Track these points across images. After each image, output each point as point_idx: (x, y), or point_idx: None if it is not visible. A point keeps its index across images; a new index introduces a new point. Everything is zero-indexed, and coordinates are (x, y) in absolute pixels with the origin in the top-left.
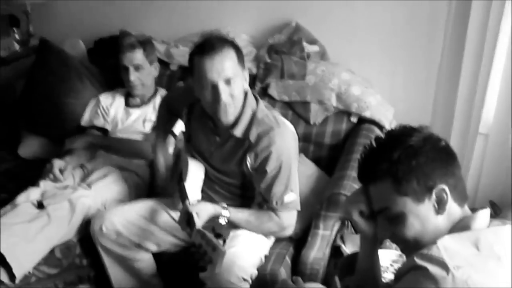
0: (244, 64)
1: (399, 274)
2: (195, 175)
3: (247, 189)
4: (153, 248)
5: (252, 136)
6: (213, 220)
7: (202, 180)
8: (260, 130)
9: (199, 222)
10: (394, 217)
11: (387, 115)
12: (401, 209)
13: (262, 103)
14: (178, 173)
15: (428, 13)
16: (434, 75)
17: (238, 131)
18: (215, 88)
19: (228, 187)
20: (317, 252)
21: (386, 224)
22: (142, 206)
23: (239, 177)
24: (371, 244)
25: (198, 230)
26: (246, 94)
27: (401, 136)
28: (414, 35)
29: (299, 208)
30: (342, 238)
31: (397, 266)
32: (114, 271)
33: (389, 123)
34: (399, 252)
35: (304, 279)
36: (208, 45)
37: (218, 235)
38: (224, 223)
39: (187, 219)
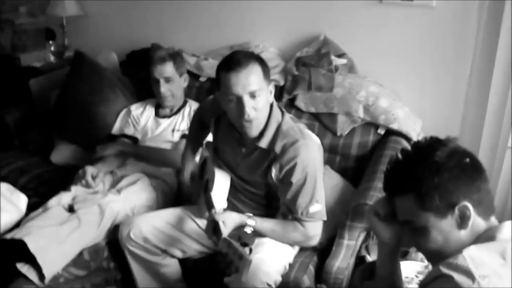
0: (269, 77)
1: (424, 283)
2: (221, 184)
3: (272, 199)
4: (179, 254)
5: (277, 148)
6: (239, 229)
7: (228, 189)
8: (285, 141)
9: (225, 230)
10: (417, 230)
11: (415, 128)
12: (424, 223)
13: (288, 116)
14: (204, 182)
15: (458, 26)
16: (464, 87)
17: (263, 143)
18: (240, 101)
19: (253, 197)
20: (342, 261)
21: (411, 234)
22: (169, 213)
23: (264, 187)
24: (390, 252)
25: (224, 239)
26: (271, 106)
27: (426, 151)
28: (443, 47)
29: (325, 218)
30: (367, 249)
31: (422, 277)
32: (140, 276)
33: (417, 136)
34: (424, 263)
35: None
36: (235, 60)
37: (244, 244)
38: (250, 232)
39: (213, 228)
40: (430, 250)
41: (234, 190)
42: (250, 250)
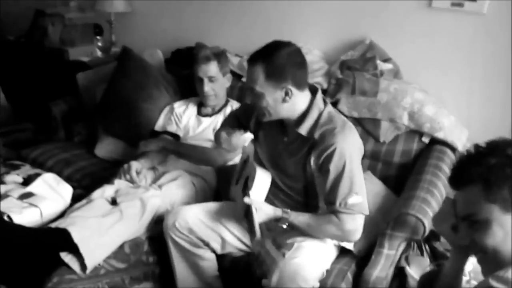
0: (281, 82)
1: None
2: (261, 181)
3: (310, 196)
4: (218, 249)
5: (317, 134)
6: (273, 223)
7: (268, 187)
8: (325, 129)
9: (256, 217)
10: (477, 223)
11: (461, 137)
12: (486, 215)
13: (331, 107)
14: (244, 178)
15: (509, 32)
16: None
17: (303, 130)
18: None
19: (292, 195)
20: (380, 271)
21: (468, 230)
22: (214, 207)
23: (303, 179)
24: (463, 258)
25: (258, 240)
26: (314, 96)
27: (500, 145)
28: (494, 55)
29: (366, 212)
30: (407, 259)
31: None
32: (180, 268)
33: (463, 146)
34: (466, 278)
35: None
36: (259, 51)
37: (278, 247)
38: (285, 227)
39: (245, 212)
40: (486, 248)
41: (274, 189)
42: (283, 254)
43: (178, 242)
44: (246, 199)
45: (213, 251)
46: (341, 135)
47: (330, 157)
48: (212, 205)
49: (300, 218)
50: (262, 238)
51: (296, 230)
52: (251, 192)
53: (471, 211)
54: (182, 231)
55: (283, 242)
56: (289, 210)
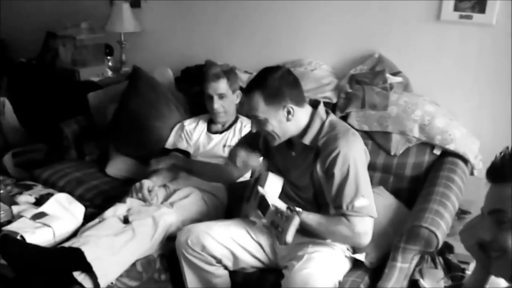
0: (281, 102)
1: None
2: (273, 181)
3: (320, 204)
4: (231, 265)
5: (320, 142)
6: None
7: (280, 188)
8: (328, 136)
9: (270, 202)
10: (506, 223)
11: (473, 149)
12: None
13: (333, 116)
14: (256, 193)
15: None
16: None
17: (307, 140)
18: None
19: (303, 204)
20: (394, 284)
21: (493, 226)
22: (226, 224)
23: (311, 188)
24: (486, 274)
25: (272, 206)
26: (316, 108)
27: None
28: (503, 67)
29: (374, 215)
30: (420, 272)
31: None
32: (192, 285)
33: (474, 157)
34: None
35: None
36: (251, 81)
37: (291, 210)
38: (290, 212)
39: (259, 204)
40: (508, 248)
41: (285, 198)
42: (298, 213)
43: (190, 260)
44: (260, 188)
45: (226, 267)
46: (344, 139)
47: (334, 161)
48: (224, 222)
49: (311, 216)
50: (275, 208)
51: (305, 233)
52: (264, 187)
53: (502, 208)
54: (194, 249)
55: (294, 255)
56: (300, 209)
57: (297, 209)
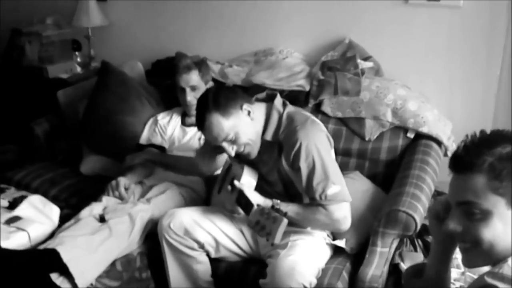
0: (237, 106)
1: None
2: (249, 174)
3: (292, 192)
4: (212, 251)
5: (281, 137)
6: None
7: (255, 181)
8: (287, 130)
9: (253, 197)
10: (477, 214)
11: (445, 130)
12: (490, 207)
13: (291, 107)
14: (229, 181)
15: (486, 25)
16: (494, 88)
17: (268, 136)
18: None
19: (276, 197)
20: (375, 269)
21: (463, 218)
22: (208, 210)
23: (280, 184)
24: (444, 252)
25: (257, 206)
26: (272, 102)
27: (510, 136)
28: (472, 48)
29: (348, 199)
30: (401, 256)
31: (458, 284)
32: (174, 271)
33: (448, 138)
34: (461, 270)
35: None
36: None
37: (276, 210)
38: (276, 213)
39: (237, 199)
40: (483, 240)
41: (259, 191)
42: (285, 214)
43: (172, 244)
44: (236, 183)
45: (207, 255)
46: (303, 131)
47: (297, 155)
48: (206, 208)
49: (289, 207)
50: (259, 206)
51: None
52: (241, 181)
53: (472, 199)
54: (177, 232)
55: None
56: (278, 201)
57: (275, 200)
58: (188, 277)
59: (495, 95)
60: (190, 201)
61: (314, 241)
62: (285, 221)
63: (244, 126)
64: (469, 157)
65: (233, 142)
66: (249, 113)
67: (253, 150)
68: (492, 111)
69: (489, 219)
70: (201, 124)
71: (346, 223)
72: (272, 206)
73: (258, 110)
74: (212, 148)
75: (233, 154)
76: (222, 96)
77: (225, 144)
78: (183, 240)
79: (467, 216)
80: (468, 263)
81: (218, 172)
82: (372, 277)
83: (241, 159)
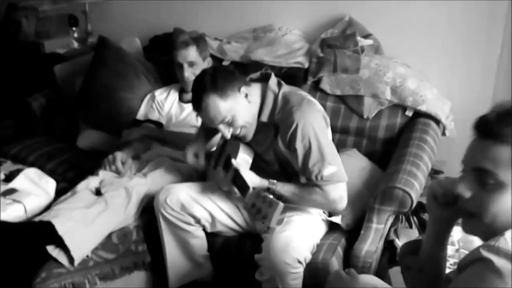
0: (235, 88)
1: (462, 265)
2: (245, 152)
3: (288, 171)
4: (208, 226)
5: (277, 118)
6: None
7: (251, 159)
8: (282, 111)
9: (248, 179)
10: (491, 184)
11: (444, 109)
12: (506, 180)
13: (286, 87)
14: (225, 157)
15: (487, 3)
16: (494, 67)
17: (264, 117)
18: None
19: (272, 176)
20: (370, 245)
21: (475, 184)
22: (205, 185)
23: (276, 164)
24: (440, 230)
25: (253, 189)
26: (267, 81)
27: None
28: (472, 26)
29: (344, 180)
30: (396, 232)
31: (453, 261)
32: (170, 246)
33: (446, 117)
34: (455, 247)
35: (356, 272)
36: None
37: (273, 193)
38: (272, 197)
39: (233, 178)
40: (488, 211)
41: (255, 170)
42: (280, 197)
43: (168, 219)
44: (233, 162)
45: (204, 229)
46: (299, 112)
47: (293, 136)
48: (203, 184)
49: (286, 187)
50: (255, 189)
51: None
52: (236, 160)
53: (491, 168)
54: (173, 207)
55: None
56: (275, 181)
57: (272, 180)
58: (184, 251)
59: (495, 75)
60: (187, 176)
61: (309, 217)
62: (281, 205)
63: (241, 109)
64: (499, 125)
65: (230, 124)
66: (246, 95)
67: (249, 132)
68: (491, 91)
69: (501, 192)
70: (198, 105)
71: (342, 203)
72: (268, 189)
73: (255, 92)
74: (207, 129)
75: (228, 136)
76: (220, 78)
77: (221, 127)
78: (179, 215)
79: (480, 183)
80: (466, 229)
81: (215, 148)
82: (366, 252)
83: (237, 138)
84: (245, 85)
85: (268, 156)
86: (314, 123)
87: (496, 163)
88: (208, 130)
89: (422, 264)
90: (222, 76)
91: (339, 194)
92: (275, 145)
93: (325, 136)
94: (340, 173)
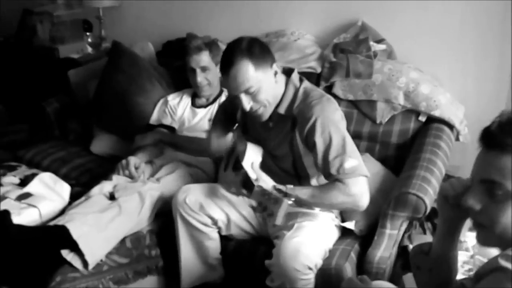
0: (266, 63)
1: (480, 274)
2: (253, 152)
3: (299, 169)
4: (223, 228)
5: (295, 111)
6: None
7: (260, 158)
8: (302, 104)
9: (263, 184)
10: (499, 195)
11: (458, 114)
12: None
13: (307, 83)
14: (234, 158)
15: (501, 5)
16: (507, 71)
17: (282, 109)
18: (239, 99)
19: (283, 176)
20: (384, 251)
21: (484, 196)
22: (222, 187)
23: (290, 158)
24: (450, 230)
25: (258, 187)
26: (289, 75)
27: None
28: (486, 29)
29: (366, 174)
30: (409, 238)
31: (467, 267)
32: (185, 247)
33: (460, 122)
34: (470, 253)
35: (370, 278)
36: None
37: (279, 191)
38: (291, 202)
39: (243, 181)
40: (498, 223)
41: (265, 170)
42: (286, 195)
43: (186, 219)
44: (244, 165)
45: (218, 232)
46: (319, 106)
47: (312, 129)
48: (219, 186)
49: (304, 191)
50: (259, 187)
51: (303, 206)
52: (244, 162)
53: (498, 179)
54: (192, 208)
55: (284, 224)
56: (292, 186)
57: (289, 186)
58: (199, 253)
59: (509, 79)
60: (199, 181)
61: (320, 223)
62: (286, 201)
63: (268, 84)
64: (503, 135)
65: (252, 95)
66: (275, 73)
67: (266, 112)
68: (506, 95)
69: (510, 202)
70: (227, 69)
71: (364, 198)
72: (274, 186)
73: (281, 78)
74: (222, 127)
75: (247, 108)
76: (257, 46)
77: (243, 96)
78: (197, 215)
79: (489, 195)
80: (480, 240)
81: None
82: (380, 258)
83: (248, 135)
84: (276, 66)
85: (281, 151)
86: (334, 117)
87: (503, 174)
88: (224, 122)
89: (433, 264)
90: (259, 45)
91: (360, 188)
92: (291, 138)
93: (345, 130)
94: (361, 167)
